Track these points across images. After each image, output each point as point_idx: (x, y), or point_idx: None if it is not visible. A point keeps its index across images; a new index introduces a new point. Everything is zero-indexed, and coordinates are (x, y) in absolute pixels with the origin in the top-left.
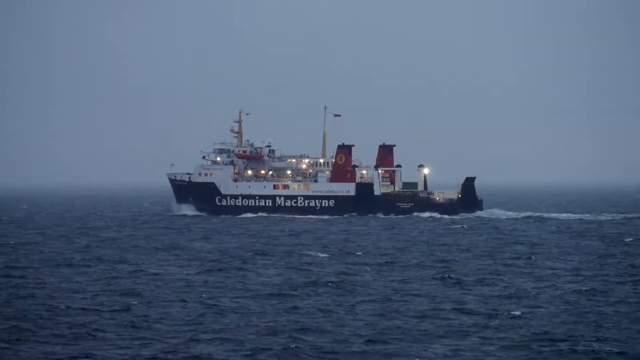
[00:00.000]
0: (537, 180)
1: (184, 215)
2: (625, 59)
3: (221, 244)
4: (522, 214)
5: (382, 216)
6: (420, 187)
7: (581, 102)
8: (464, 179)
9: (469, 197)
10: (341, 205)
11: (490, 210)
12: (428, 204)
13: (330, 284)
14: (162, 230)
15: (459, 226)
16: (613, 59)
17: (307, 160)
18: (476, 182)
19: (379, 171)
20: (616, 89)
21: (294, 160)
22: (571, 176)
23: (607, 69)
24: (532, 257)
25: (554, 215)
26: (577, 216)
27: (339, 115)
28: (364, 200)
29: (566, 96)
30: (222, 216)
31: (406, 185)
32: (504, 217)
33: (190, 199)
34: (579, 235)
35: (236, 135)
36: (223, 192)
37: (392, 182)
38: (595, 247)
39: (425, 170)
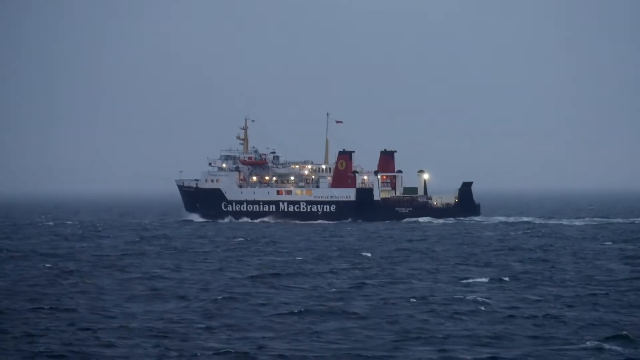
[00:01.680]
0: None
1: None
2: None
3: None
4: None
5: (382, 221)
6: (421, 192)
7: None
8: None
9: (466, 201)
10: (342, 210)
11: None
12: (426, 208)
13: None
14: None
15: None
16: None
17: (309, 166)
18: (474, 187)
19: (379, 177)
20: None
21: (297, 166)
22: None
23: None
24: None
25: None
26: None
27: (341, 122)
28: (364, 205)
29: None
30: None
31: (407, 190)
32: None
33: (198, 205)
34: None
35: (242, 142)
36: (228, 198)
37: (393, 188)
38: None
39: (425, 176)
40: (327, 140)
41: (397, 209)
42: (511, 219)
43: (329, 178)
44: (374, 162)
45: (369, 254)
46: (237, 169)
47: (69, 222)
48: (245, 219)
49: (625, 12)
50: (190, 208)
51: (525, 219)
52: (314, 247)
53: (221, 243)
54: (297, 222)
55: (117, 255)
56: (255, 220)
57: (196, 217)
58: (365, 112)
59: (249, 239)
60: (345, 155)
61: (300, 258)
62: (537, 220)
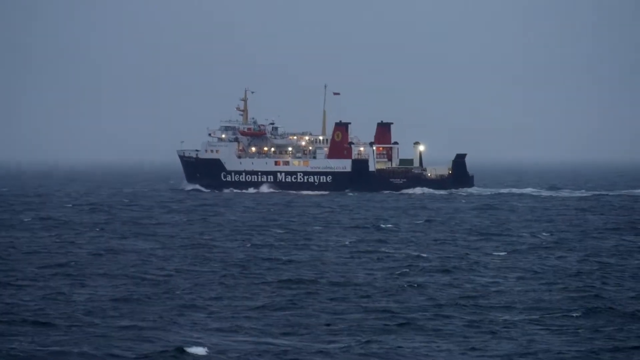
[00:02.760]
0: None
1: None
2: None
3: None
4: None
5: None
6: (416, 164)
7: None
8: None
9: (459, 173)
10: (338, 181)
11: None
12: (420, 179)
13: None
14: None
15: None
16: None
17: (307, 137)
18: (467, 159)
19: (374, 148)
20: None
21: (295, 137)
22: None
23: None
24: None
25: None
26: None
27: (338, 94)
28: (359, 176)
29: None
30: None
31: (403, 162)
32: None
33: (198, 175)
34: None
35: (242, 113)
36: (228, 168)
37: (390, 159)
38: None
39: (421, 147)
40: (324, 112)
41: (391, 180)
42: (511, 191)
43: (326, 149)
44: (371, 134)
45: (390, 225)
46: (236, 140)
47: (102, 193)
48: (243, 189)
49: None
50: (191, 178)
51: (518, 190)
52: (334, 218)
53: (236, 212)
54: (293, 192)
55: (143, 224)
56: (253, 190)
57: (197, 187)
58: (363, 84)
59: (271, 210)
60: (342, 127)
61: (317, 227)
62: (536, 192)
